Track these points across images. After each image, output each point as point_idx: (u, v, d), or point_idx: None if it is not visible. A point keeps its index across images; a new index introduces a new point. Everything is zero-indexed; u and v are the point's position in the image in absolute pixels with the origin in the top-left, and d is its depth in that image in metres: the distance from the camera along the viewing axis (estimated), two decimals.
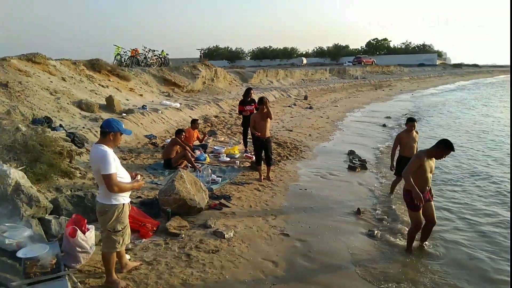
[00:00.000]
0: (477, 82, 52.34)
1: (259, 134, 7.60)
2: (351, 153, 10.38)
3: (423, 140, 12.56)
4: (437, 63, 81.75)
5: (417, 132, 7.02)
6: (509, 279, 4.51)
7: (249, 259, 4.61)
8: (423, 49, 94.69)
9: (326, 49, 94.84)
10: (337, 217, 6.14)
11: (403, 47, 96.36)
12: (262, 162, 7.91)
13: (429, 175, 4.85)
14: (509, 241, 4.24)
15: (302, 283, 4.21)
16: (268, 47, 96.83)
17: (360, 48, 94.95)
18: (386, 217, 6.23)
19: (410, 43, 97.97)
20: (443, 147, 4.70)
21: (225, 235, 5.08)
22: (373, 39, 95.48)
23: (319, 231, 5.55)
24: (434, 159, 4.87)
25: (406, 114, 19.10)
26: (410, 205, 4.90)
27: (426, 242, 5.26)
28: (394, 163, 7.11)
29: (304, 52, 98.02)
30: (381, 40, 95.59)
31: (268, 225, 5.60)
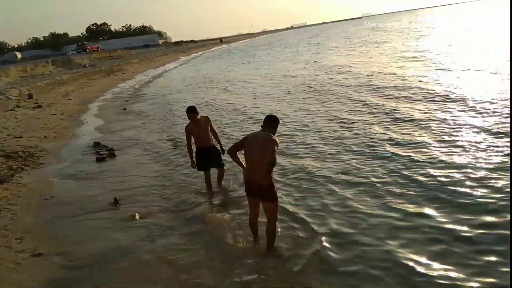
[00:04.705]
0: (197, 55, 58.70)
1: None
2: (96, 144, 9.86)
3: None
4: (160, 43, 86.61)
5: (206, 118, 6.15)
6: None
7: None
8: (144, 30, 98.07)
9: (42, 39, 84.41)
10: (95, 214, 5.81)
11: (124, 30, 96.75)
12: None
13: None
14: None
15: None
16: None
17: (81, 35, 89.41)
18: (144, 197, 6.31)
19: (130, 25, 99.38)
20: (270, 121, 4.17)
21: None
22: (92, 24, 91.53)
23: (78, 236, 5.14)
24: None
25: (145, 94, 19.60)
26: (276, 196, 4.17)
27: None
28: (194, 159, 6.18)
29: (16, 46, 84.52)
30: (101, 24, 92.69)
31: (13, 252, 4.71)
